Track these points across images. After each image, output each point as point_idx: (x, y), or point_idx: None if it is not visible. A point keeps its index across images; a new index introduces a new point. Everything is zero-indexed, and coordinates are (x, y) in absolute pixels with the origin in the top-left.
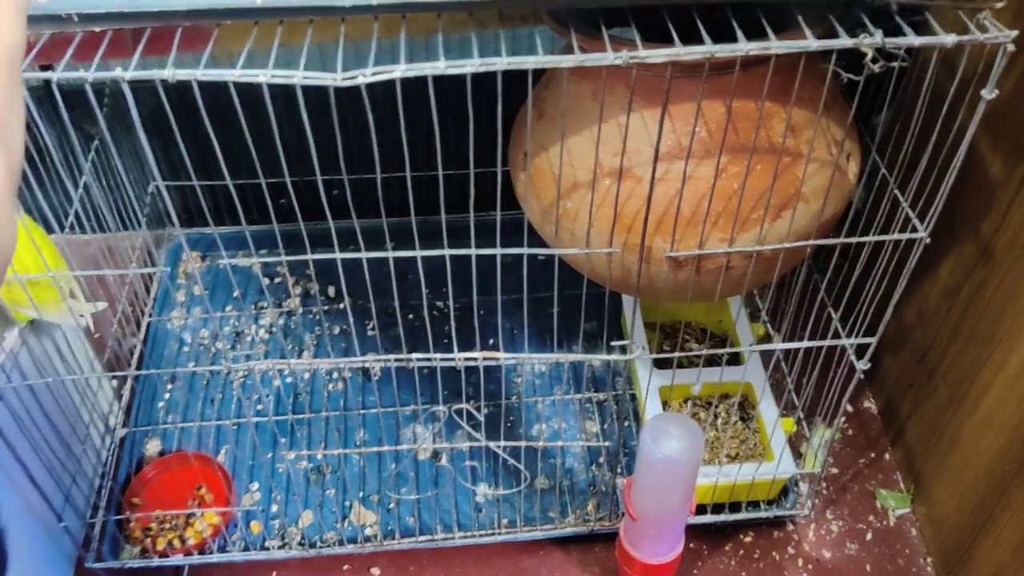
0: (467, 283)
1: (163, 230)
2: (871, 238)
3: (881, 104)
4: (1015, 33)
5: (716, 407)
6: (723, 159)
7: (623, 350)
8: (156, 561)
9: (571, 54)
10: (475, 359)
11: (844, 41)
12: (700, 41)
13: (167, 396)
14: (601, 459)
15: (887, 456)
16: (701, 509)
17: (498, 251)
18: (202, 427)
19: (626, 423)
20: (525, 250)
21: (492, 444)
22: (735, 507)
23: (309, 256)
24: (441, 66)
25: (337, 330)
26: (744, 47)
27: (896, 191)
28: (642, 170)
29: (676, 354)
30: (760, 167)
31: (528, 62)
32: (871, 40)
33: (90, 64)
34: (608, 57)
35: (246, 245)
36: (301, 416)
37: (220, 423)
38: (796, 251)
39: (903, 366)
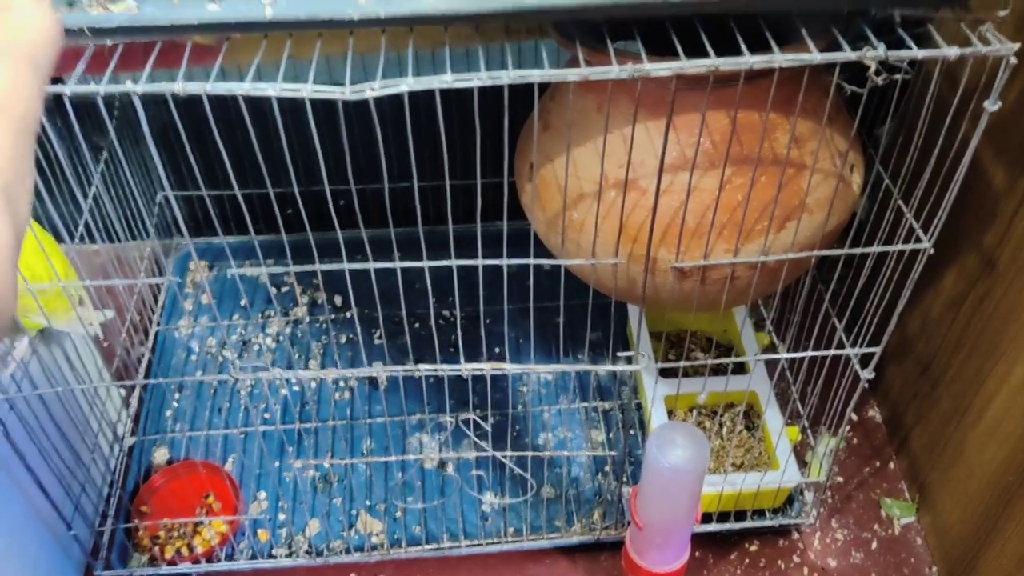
0: (473, 292)
1: (171, 239)
2: (875, 249)
3: (884, 115)
4: (1017, 46)
5: (721, 416)
6: (727, 171)
7: (629, 360)
8: (164, 569)
9: (576, 67)
10: (482, 369)
11: (848, 54)
12: (704, 53)
13: (175, 405)
14: (607, 468)
15: (891, 465)
16: (707, 518)
17: (504, 262)
18: (210, 436)
19: (632, 432)
20: (531, 260)
21: (498, 453)
22: (740, 516)
23: (317, 267)
24: (449, 80)
25: (344, 339)
26: (748, 60)
27: (900, 202)
28: (647, 181)
29: (681, 363)
30: (764, 178)
31: (534, 76)
32: (874, 53)
33: (100, 77)
34: (614, 71)
35: (253, 254)
36: (308, 425)
37: (227, 432)
38: (800, 261)
39: (907, 376)
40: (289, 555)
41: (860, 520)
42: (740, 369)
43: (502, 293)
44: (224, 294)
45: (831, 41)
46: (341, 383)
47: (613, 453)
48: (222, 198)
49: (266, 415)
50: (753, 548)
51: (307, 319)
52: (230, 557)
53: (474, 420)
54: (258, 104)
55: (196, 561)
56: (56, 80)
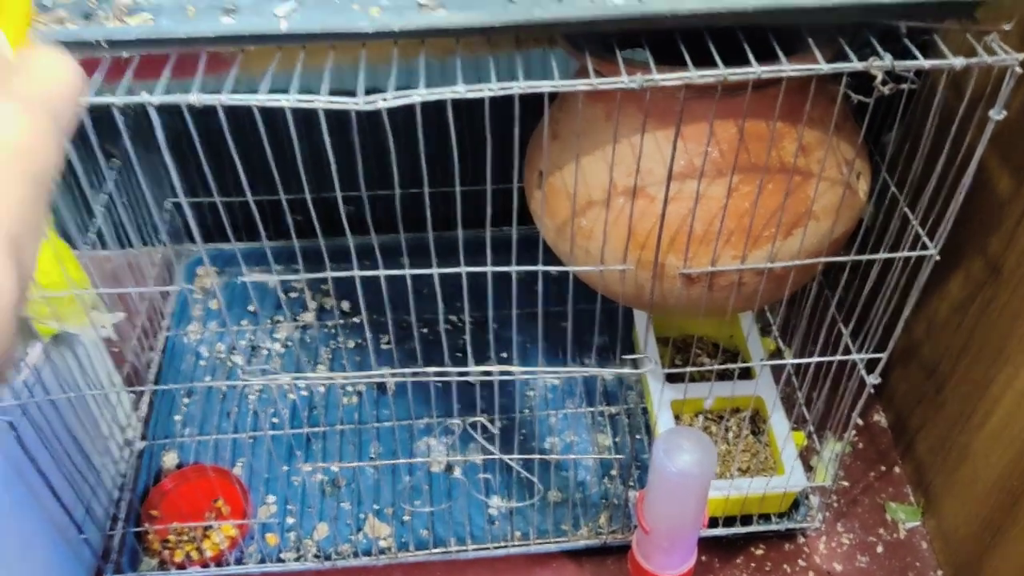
0: (482, 297)
1: (181, 245)
2: (881, 255)
3: (891, 123)
4: (1022, 56)
5: (727, 421)
6: (735, 178)
7: (635, 364)
8: (174, 573)
9: (585, 76)
10: (490, 373)
11: (855, 64)
12: (712, 63)
13: (184, 409)
14: (613, 472)
15: (897, 469)
16: (713, 522)
17: (513, 268)
18: (219, 440)
19: (638, 436)
20: (540, 267)
21: (505, 457)
22: (746, 520)
23: (328, 274)
24: (461, 90)
25: (352, 344)
26: (757, 71)
27: (906, 209)
28: (655, 189)
29: (688, 368)
30: (772, 186)
31: (545, 86)
32: (881, 63)
33: (115, 86)
34: (623, 81)
35: (263, 260)
36: (317, 429)
37: (237, 436)
38: (807, 268)
39: (913, 381)
40: (297, 559)
41: (866, 524)
42: (746, 374)
43: (511, 298)
44: (233, 299)
45: (838, 51)
46: (349, 388)
47: (620, 457)
48: (232, 204)
49: (275, 419)
50: (759, 552)
51: (316, 324)
52: (239, 561)
53: (481, 424)
54: (271, 112)
55: (206, 565)
56: None
